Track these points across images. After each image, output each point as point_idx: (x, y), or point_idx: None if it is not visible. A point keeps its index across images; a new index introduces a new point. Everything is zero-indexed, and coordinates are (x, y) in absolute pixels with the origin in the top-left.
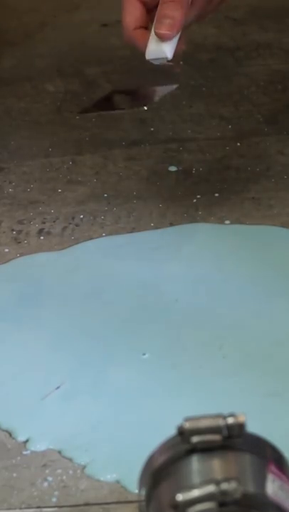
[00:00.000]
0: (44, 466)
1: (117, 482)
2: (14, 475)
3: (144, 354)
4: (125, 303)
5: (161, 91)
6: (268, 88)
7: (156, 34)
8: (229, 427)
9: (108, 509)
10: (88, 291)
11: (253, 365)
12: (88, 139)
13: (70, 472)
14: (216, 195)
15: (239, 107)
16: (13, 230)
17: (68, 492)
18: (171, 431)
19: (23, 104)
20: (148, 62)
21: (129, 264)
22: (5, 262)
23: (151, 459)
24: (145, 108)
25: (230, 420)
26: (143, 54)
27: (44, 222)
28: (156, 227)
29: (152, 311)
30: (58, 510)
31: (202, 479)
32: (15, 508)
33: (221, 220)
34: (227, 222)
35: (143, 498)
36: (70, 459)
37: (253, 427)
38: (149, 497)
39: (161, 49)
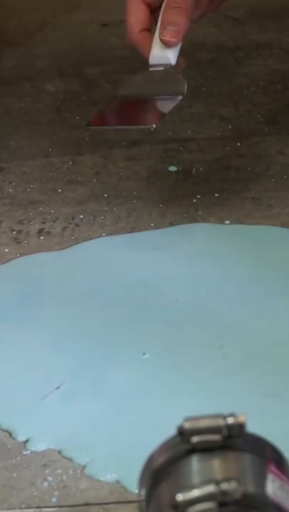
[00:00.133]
0: (44, 466)
1: (117, 482)
2: (14, 475)
3: (144, 354)
4: (125, 303)
5: (168, 105)
6: (268, 88)
7: (161, 40)
8: (229, 427)
9: (108, 509)
10: (88, 291)
11: (253, 365)
12: (88, 139)
13: (70, 472)
14: (216, 195)
15: (239, 107)
16: (13, 230)
17: (68, 492)
18: (171, 431)
19: (23, 104)
20: (148, 64)
21: (129, 264)
22: (5, 262)
23: (151, 459)
24: (154, 126)
25: (230, 420)
26: (144, 56)
27: (44, 222)
28: (156, 227)
29: (152, 311)
30: (58, 510)
31: (202, 479)
32: (15, 508)
33: (221, 220)
34: (227, 222)
35: (143, 498)
36: (70, 459)
37: (253, 427)
38: (149, 497)
39: (165, 55)
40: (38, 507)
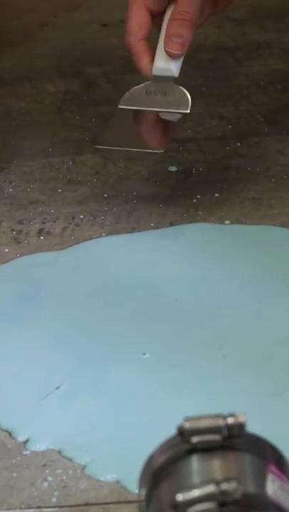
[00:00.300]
0: (44, 466)
1: (117, 482)
2: (14, 475)
3: (144, 354)
4: (125, 303)
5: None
6: (268, 88)
7: (166, 52)
8: (229, 427)
9: (108, 509)
10: (88, 291)
11: (253, 365)
12: (88, 139)
13: (70, 472)
14: (216, 195)
15: (239, 107)
16: (13, 230)
17: (68, 492)
18: (171, 431)
19: (23, 104)
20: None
21: (129, 264)
22: (5, 262)
23: (151, 459)
24: (163, 151)
25: (230, 420)
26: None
27: (44, 222)
28: (156, 227)
29: (152, 311)
30: (58, 510)
31: (202, 479)
32: (15, 508)
33: (221, 220)
34: (227, 222)
35: (143, 498)
36: (70, 459)
37: (253, 427)
38: (149, 497)
39: (169, 67)
40: (38, 507)
